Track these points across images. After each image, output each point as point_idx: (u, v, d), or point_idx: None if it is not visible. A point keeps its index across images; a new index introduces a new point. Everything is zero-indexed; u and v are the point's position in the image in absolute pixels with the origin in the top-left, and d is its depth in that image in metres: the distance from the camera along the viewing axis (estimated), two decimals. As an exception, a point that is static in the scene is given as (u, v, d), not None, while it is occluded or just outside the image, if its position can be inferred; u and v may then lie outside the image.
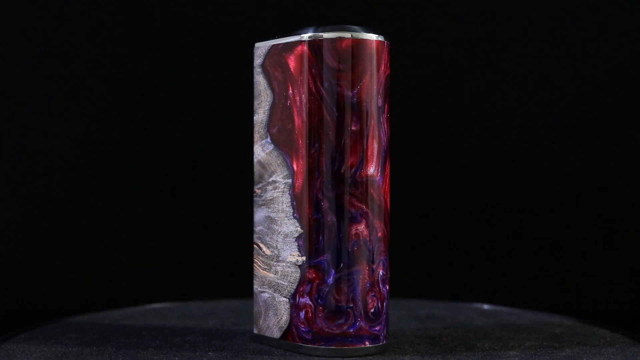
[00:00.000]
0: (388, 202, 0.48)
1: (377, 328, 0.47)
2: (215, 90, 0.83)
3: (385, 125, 0.48)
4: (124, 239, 0.83)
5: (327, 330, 0.47)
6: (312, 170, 0.47)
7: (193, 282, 0.83)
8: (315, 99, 0.47)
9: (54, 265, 0.83)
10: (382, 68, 0.47)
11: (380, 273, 0.47)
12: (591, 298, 0.83)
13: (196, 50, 0.84)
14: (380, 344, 0.48)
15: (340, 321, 0.47)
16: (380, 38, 0.47)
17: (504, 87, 0.84)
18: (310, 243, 0.47)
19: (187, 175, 0.84)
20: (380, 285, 0.47)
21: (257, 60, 0.50)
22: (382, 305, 0.48)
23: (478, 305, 0.65)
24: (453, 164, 0.84)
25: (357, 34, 0.47)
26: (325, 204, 0.47)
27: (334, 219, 0.47)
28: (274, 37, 0.49)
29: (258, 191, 0.50)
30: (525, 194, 0.84)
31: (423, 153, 0.84)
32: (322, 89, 0.47)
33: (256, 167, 0.50)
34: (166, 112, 0.84)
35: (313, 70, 0.47)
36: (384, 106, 0.48)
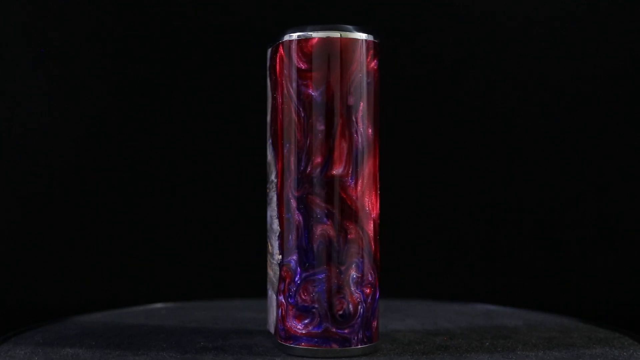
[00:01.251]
0: (367, 202, 0.47)
1: (346, 331, 0.47)
2: (215, 90, 0.83)
3: (361, 124, 0.47)
4: (124, 239, 0.83)
5: (294, 329, 0.47)
6: (284, 170, 0.47)
7: (193, 282, 0.83)
8: (287, 100, 0.47)
9: (54, 265, 0.83)
10: (355, 66, 0.47)
11: (353, 275, 0.47)
12: (591, 298, 0.83)
13: (196, 50, 0.84)
14: (359, 346, 0.47)
15: (306, 321, 0.47)
16: (356, 36, 0.46)
17: (504, 87, 0.84)
18: (283, 242, 0.47)
19: (187, 175, 0.84)
20: (353, 288, 0.47)
21: (267, 63, 0.51)
22: (354, 308, 0.47)
23: (478, 305, 0.65)
24: (453, 164, 0.84)
25: (326, 33, 0.46)
26: (293, 204, 0.47)
27: (301, 219, 0.47)
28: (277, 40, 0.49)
29: (267, 191, 0.50)
30: (525, 194, 0.84)
31: (423, 153, 0.84)
32: (291, 89, 0.47)
33: (267, 167, 0.51)
34: (166, 111, 0.84)
35: (285, 72, 0.47)
36: (359, 105, 0.47)
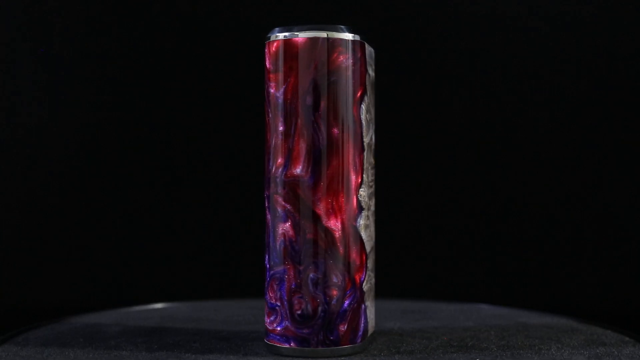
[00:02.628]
0: (330, 203, 0.47)
1: (305, 331, 0.47)
2: (215, 90, 0.83)
3: (322, 124, 0.47)
4: (124, 239, 0.83)
5: (267, 326, 0.48)
6: (263, 171, 0.48)
7: (193, 282, 0.83)
8: (264, 101, 0.48)
9: (54, 265, 0.83)
10: (315, 65, 0.47)
11: (311, 276, 0.47)
12: (591, 298, 0.83)
13: (197, 50, 0.84)
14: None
15: (272, 318, 0.48)
16: (317, 34, 0.46)
17: (505, 87, 0.84)
18: (264, 240, 0.48)
19: (187, 175, 0.84)
20: (312, 289, 0.47)
21: None
22: (313, 309, 0.47)
23: (478, 305, 0.65)
24: (453, 164, 0.84)
25: (290, 33, 0.47)
26: (266, 203, 0.48)
27: (269, 218, 0.47)
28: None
29: None
30: (525, 194, 0.84)
31: (423, 153, 0.84)
32: (265, 90, 0.48)
33: None
34: (167, 112, 0.84)
35: (265, 73, 0.48)
36: (318, 105, 0.47)
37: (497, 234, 0.84)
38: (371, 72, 0.49)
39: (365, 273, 0.48)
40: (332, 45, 0.47)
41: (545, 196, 0.84)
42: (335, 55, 0.47)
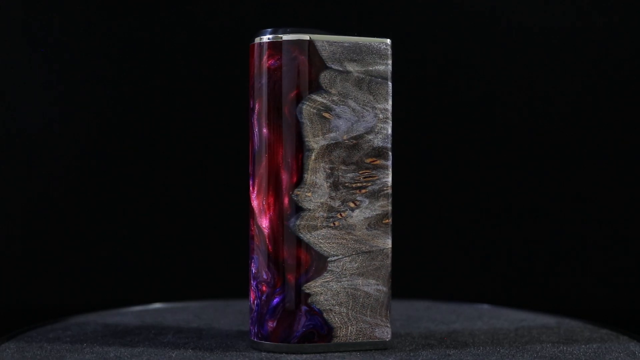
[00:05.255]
0: (261, 201, 0.48)
1: (250, 321, 0.49)
2: (214, 91, 0.83)
3: (257, 125, 0.48)
4: (124, 239, 0.83)
5: None
6: None
7: (193, 282, 0.83)
8: None
9: (54, 265, 0.83)
10: (252, 69, 0.48)
11: (252, 270, 0.49)
12: (591, 298, 0.83)
13: (197, 50, 0.84)
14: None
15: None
16: (258, 40, 0.48)
17: (504, 87, 0.84)
18: None
19: (187, 175, 0.84)
20: (252, 282, 0.49)
21: None
22: (252, 302, 0.48)
23: (478, 305, 0.65)
24: (453, 164, 0.84)
25: (256, 39, 0.48)
26: None
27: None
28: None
29: None
30: (525, 194, 0.84)
31: (423, 153, 0.84)
32: None
33: None
34: (166, 112, 0.84)
35: None
36: (254, 107, 0.48)
37: (497, 234, 0.84)
38: (344, 68, 0.48)
39: (310, 275, 0.48)
40: (264, 49, 0.48)
41: (545, 196, 0.84)
42: (264, 59, 0.48)
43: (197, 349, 0.49)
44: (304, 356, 0.47)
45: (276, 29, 0.48)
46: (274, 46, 0.47)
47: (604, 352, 0.49)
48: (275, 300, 0.47)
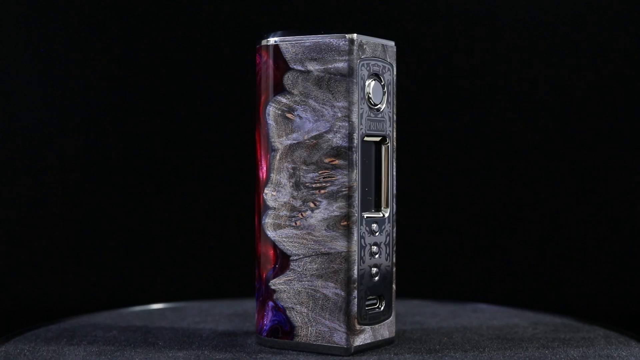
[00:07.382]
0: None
1: None
2: (213, 90, 0.83)
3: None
4: (123, 239, 0.83)
5: None
6: None
7: (193, 282, 0.83)
8: None
9: (54, 265, 0.83)
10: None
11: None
12: (591, 298, 0.83)
13: (197, 50, 0.84)
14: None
15: None
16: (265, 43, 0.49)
17: (504, 87, 0.84)
18: None
19: (186, 175, 0.84)
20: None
21: None
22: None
23: (478, 305, 0.65)
24: (453, 163, 0.84)
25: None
26: None
27: None
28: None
29: None
30: (525, 194, 0.84)
31: (423, 153, 0.84)
32: None
33: None
34: (166, 112, 0.84)
35: None
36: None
37: (497, 234, 0.84)
38: (305, 67, 0.48)
39: (275, 272, 0.48)
40: (258, 52, 0.50)
41: (545, 196, 0.84)
42: (256, 62, 0.50)
43: (197, 349, 0.49)
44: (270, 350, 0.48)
45: (267, 33, 0.49)
46: (258, 51, 0.49)
47: (604, 352, 0.49)
48: (256, 294, 0.50)
